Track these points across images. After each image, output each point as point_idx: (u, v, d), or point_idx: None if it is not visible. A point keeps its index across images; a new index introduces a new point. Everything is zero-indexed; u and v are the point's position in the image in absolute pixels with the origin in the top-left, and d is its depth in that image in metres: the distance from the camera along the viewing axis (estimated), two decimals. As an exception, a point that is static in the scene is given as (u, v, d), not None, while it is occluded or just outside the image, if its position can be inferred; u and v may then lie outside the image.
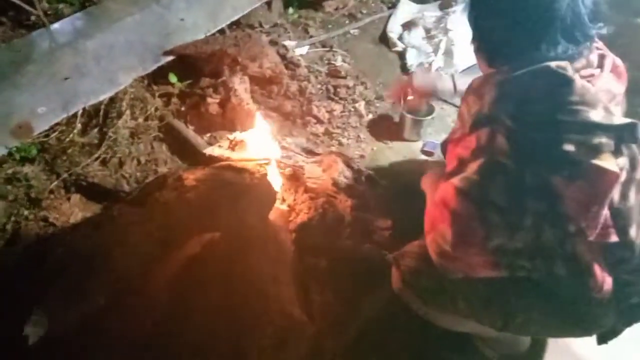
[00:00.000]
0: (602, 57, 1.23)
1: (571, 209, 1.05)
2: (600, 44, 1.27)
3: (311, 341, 1.54)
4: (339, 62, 2.84)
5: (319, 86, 2.60)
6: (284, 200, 1.99)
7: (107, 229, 1.75)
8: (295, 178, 2.04)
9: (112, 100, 2.14)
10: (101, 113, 2.11)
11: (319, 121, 2.41)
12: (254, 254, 1.70)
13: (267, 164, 1.99)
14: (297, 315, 1.59)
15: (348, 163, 2.19)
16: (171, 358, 1.46)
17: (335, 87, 2.59)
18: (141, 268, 1.60)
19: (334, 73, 2.71)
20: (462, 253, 1.12)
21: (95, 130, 2.10)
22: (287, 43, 2.75)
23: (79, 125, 2.06)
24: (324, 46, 2.99)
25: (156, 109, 2.18)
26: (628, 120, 1.07)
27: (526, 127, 1.05)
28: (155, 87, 2.28)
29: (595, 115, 1.04)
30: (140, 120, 2.14)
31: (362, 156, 2.30)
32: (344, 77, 2.69)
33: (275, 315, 1.57)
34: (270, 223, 1.83)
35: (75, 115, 2.05)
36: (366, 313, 1.68)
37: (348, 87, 2.60)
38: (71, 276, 1.56)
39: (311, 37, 3.03)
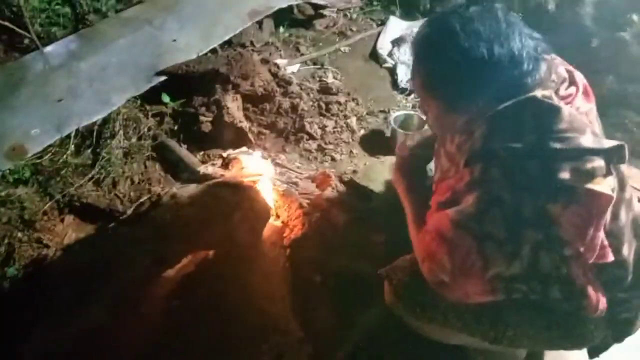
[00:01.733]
0: (571, 73, 1.25)
1: (568, 234, 1.06)
2: (559, 58, 1.28)
3: (307, 356, 1.55)
4: (330, 79, 2.88)
5: (310, 103, 2.62)
6: (277, 216, 2.01)
7: (103, 248, 1.76)
8: (288, 194, 2.06)
9: (105, 121, 2.17)
10: (94, 134, 2.14)
11: (312, 137, 2.44)
12: (248, 270, 1.71)
13: (260, 180, 2.01)
14: (292, 331, 1.60)
15: (341, 178, 2.21)
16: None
17: (327, 103, 2.62)
18: (136, 286, 1.61)
19: (325, 90, 2.74)
20: (461, 283, 1.13)
21: (89, 151, 2.13)
22: (279, 61, 2.79)
23: (72, 147, 2.09)
24: (315, 64, 3.03)
25: (149, 129, 2.21)
26: (616, 142, 1.09)
27: (519, 157, 1.07)
28: (148, 107, 2.32)
29: (586, 141, 1.06)
30: (134, 140, 2.17)
31: (354, 171, 2.31)
32: (336, 94, 2.72)
33: (271, 331, 1.58)
34: (264, 239, 1.84)
35: (68, 137, 2.08)
36: (362, 327, 1.69)
37: (340, 104, 2.63)
38: (67, 295, 1.57)
39: (302, 55, 3.07)
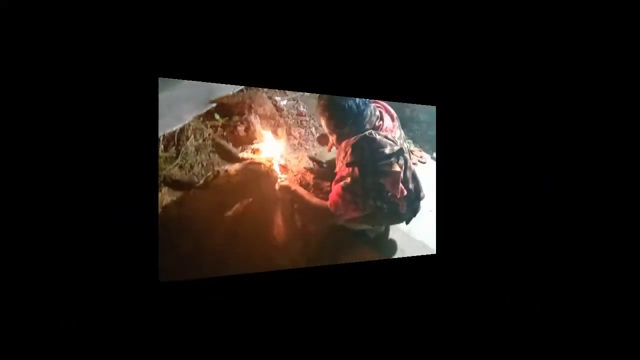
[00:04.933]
0: (382, 109, 2.74)
1: (388, 188, 2.61)
2: (378, 102, 2.77)
3: (298, 251, 2.95)
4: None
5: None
6: (286, 177, 3.25)
7: (187, 204, 2.87)
8: (287, 167, 3.36)
9: (181, 130, 3.26)
10: (175, 137, 3.31)
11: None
12: (271, 208, 3.07)
13: (272, 158, 3.27)
14: (290, 231, 2.99)
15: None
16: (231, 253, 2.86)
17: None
18: (212, 224, 2.95)
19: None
20: (348, 213, 2.71)
21: (173, 148, 3.29)
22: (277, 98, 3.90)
23: (162, 146, 3.33)
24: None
25: (209, 134, 3.40)
26: (398, 147, 2.60)
27: (365, 162, 2.58)
28: (207, 122, 3.41)
29: (388, 150, 2.57)
30: (200, 140, 3.30)
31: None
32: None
33: (279, 235, 2.96)
34: (277, 191, 3.17)
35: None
36: (321, 227, 3.07)
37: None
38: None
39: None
